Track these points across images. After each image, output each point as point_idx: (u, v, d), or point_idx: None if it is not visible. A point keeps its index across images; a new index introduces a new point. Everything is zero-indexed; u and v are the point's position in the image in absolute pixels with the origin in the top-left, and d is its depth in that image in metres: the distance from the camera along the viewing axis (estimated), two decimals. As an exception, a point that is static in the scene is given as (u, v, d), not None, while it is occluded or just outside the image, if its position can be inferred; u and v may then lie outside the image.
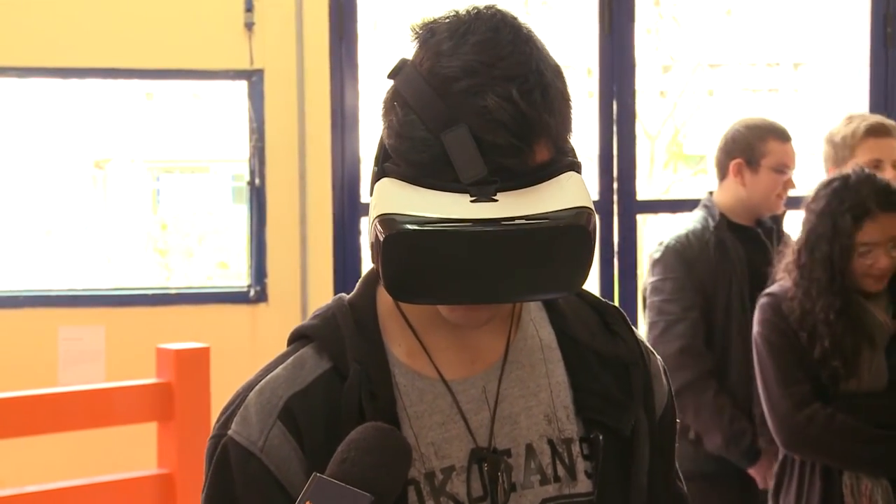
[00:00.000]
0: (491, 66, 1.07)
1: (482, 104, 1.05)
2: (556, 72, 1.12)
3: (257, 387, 1.19)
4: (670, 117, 10.13)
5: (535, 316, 1.25)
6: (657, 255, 3.05)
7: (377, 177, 1.10)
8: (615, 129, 3.77)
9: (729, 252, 2.99)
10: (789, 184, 3.06)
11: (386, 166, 1.10)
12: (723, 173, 3.11)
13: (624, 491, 1.21)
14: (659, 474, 1.27)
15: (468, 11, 1.11)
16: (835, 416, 2.46)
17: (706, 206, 3.09)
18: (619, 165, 3.78)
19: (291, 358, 1.20)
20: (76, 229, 12.03)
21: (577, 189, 1.07)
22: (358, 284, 1.24)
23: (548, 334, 1.24)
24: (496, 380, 1.19)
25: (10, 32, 3.57)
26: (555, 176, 1.08)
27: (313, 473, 1.04)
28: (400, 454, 1.07)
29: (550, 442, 1.20)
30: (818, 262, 2.50)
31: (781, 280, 2.60)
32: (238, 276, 8.65)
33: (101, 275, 11.09)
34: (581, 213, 1.05)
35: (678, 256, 2.99)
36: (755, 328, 2.62)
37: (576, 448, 1.21)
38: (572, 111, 1.13)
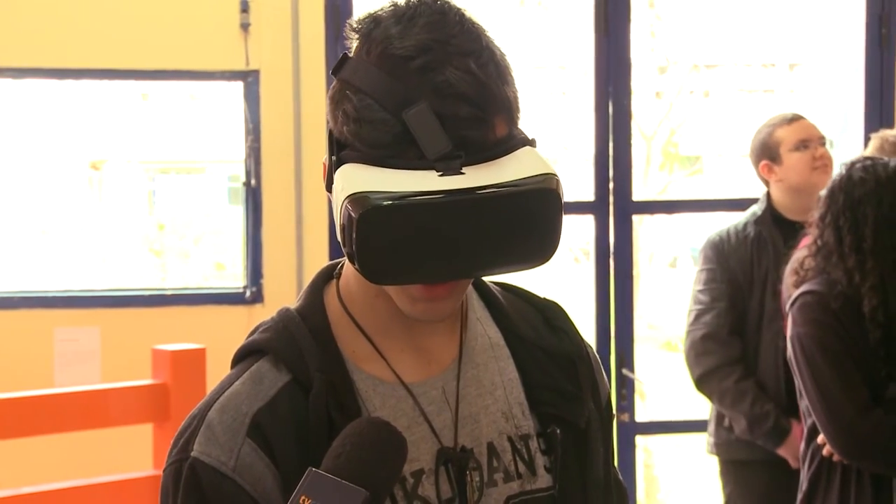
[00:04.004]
0: (445, 43, 1.07)
1: (441, 79, 1.06)
2: (503, 53, 1.13)
3: (217, 405, 1.15)
4: (666, 118, 10.13)
5: (480, 315, 1.25)
6: (701, 248, 3.27)
7: (336, 166, 1.09)
8: (611, 129, 3.77)
9: (767, 246, 3.13)
10: (823, 156, 3.15)
11: (343, 155, 1.09)
12: (764, 180, 3.24)
13: (582, 483, 1.22)
14: (608, 464, 1.29)
15: (408, 1, 1.12)
16: None
17: (759, 202, 3.25)
18: (614, 166, 3.78)
19: (247, 373, 1.17)
20: (72, 230, 12.02)
21: (539, 159, 1.08)
22: (304, 294, 1.22)
23: (495, 333, 1.25)
24: (454, 380, 1.19)
25: (6, 33, 3.56)
26: (514, 150, 1.09)
27: (308, 468, 1.03)
28: (395, 448, 1.06)
29: (510, 439, 1.20)
30: (887, 237, 2.35)
31: (812, 278, 2.46)
32: (234, 277, 8.65)
33: (97, 276, 11.08)
34: (549, 177, 1.06)
35: (715, 249, 3.20)
36: (799, 329, 2.44)
37: (533, 444, 1.21)
38: (519, 95, 1.14)
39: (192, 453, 1.13)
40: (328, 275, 1.24)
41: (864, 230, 2.38)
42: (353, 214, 1.03)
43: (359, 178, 1.05)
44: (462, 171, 1.05)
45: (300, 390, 1.14)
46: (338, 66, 1.13)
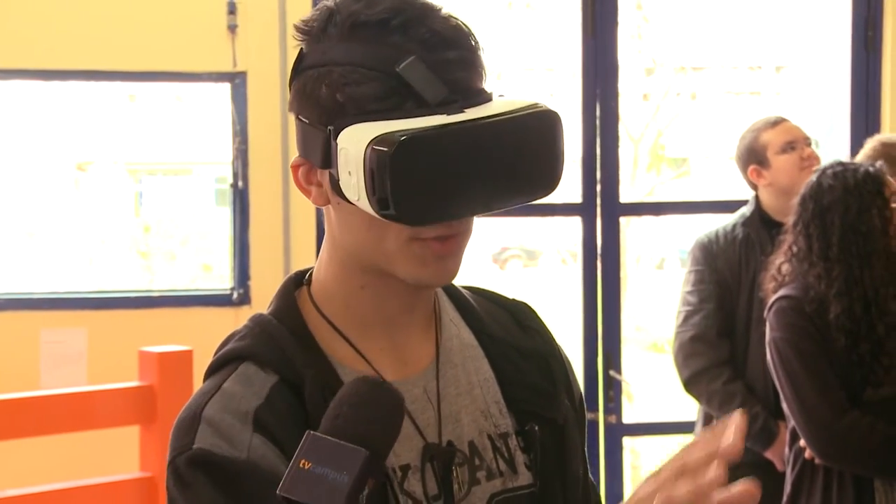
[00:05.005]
0: (414, 4, 1.10)
1: (423, 30, 1.08)
2: None
3: (212, 404, 1.11)
4: (653, 120, 10.16)
5: (452, 317, 1.26)
6: (690, 249, 3.27)
7: (334, 135, 1.08)
8: (598, 131, 3.78)
9: (755, 247, 3.13)
10: (810, 157, 3.17)
11: (339, 122, 1.08)
12: (752, 184, 3.25)
13: (562, 479, 1.23)
14: (585, 462, 1.30)
15: None
16: (875, 425, 2.35)
17: (748, 204, 3.25)
18: (602, 168, 3.78)
19: (233, 376, 1.14)
20: (58, 231, 11.98)
21: (523, 99, 1.12)
22: (275, 299, 1.21)
23: (467, 334, 1.25)
24: (434, 380, 1.20)
25: (-8, 34, 3.55)
26: (495, 98, 1.13)
27: (307, 431, 1.01)
28: (393, 407, 1.04)
29: (490, 437, 1.21)
30: (853, 244, 2.40)
31: (790, 283, 2.50)
32: (221, 279, 8.63)
33: (84, 277, 11.04)
34: (544, 104, 1.11)
35: (703, 250, 3.19)
36: (775, 333, 2.48)
37: (512, 441, 1.22)
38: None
39: (198, 446, 1.09)
40: (297, 282, 1.24)
41: (831, 238, 2.44)
42: (387, 151, 1.03)
43: (370, 128, 1.06)
44: (463, 111, 1.08)
45: (289, 389, 1.13)
46: (297, 63, 1.13)
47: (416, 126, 1.05)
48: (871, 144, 3.19)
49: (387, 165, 1.03)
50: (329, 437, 0.99)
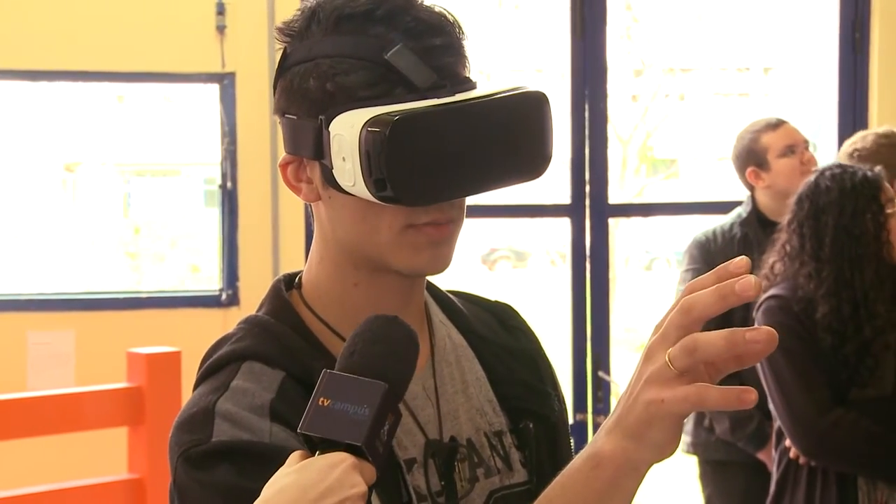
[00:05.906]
0: None
1: (408, 19, 1.09)
2: None
3: (225, 399, 1.09)
4: (642, 121, 10.19)
5: (441, 318, 1.26)
6: (686, 247, 3.27)
7: (326, 123, 1.09)
8: (587, 132, 3.78)
9: (753, 247, 3.13)
10: (810, 160, 3.18)
11: (331, 111, 1.08)
12: (749, 185, 3.25)
13: (555, 476, 1.23)
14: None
15: None
16: (859, 422, 2.37)
17: (744, 204, 3.26)
18: (590, 169, 3.78)
19: (240, 373, 1.12)
20: (46, 233, 11.96)
21: (506, 84, 1.14)
22: (267, 300, 1.20)
23: (456, 335, 1.26)
24: (431, 378, 1.20)
25: (-21, 34, 3.54)
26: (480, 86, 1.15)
27: (324, 370, 1.00)
28: (407, 340, 1.03)
29: (486, 435, 1.22)
30: (846, 246, 2.42)
31: (780, 282, 2.52)
32: (210, 280, 8.62)
33: (72, 278, 11.02)
34: (528, 86, 1.13)
35: (701, 248, 3.21)
36: None
37: (507, 439, 1.23)
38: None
39: (218, 439, 1.07)
40: (287, 285, 1.23)
41: (823, 238, 2.45)
42: (382, 131, 1.04)
43: (363, 113, 1.06)
44: (453, 95, 1.09)
45: (297, 384, 1.12)
46: (281, 62, 1.14)
47: (409, 108, 1.06)
48: (845, 149, 3.19)
49: (383, 146, 1.04)
50: (347, 374, 0.98)
